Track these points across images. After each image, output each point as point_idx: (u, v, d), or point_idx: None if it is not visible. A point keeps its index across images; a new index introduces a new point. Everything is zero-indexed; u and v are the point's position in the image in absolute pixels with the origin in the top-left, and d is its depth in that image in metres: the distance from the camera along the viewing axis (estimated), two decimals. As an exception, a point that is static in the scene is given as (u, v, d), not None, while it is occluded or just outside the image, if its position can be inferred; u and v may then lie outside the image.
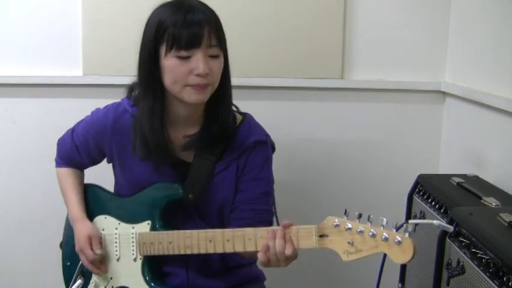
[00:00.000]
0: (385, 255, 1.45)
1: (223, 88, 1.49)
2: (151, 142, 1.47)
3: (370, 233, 1.21)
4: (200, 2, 1.45)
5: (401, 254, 1.18)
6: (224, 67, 1.48)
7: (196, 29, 1.38)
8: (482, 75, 1.99)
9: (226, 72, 1.49)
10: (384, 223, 1.21)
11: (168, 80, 1.42)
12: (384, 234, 1.19)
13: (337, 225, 1.26)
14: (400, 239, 1.18)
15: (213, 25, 1.41)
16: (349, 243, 1.24)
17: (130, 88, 1.56)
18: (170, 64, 1.40)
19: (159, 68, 1.43)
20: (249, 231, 1.38)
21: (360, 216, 1.24)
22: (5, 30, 2.20)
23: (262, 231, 1.36)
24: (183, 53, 1.39)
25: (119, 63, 2.18)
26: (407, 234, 1.18)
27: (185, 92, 1.42)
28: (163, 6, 1.44)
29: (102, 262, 1.57)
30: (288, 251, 1.32)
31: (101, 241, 1.57)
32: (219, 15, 1.46)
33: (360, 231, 1.23)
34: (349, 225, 1.24)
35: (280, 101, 2.30)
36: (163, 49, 1.40)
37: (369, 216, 1.23)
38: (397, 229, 1.21)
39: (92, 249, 1.54)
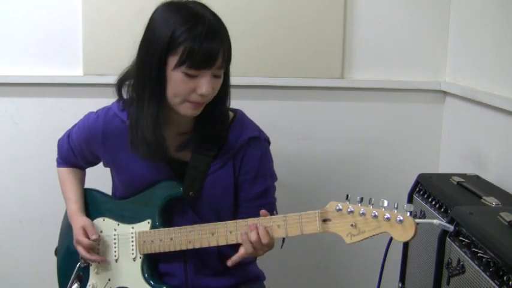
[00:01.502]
0: (386, 254, 1.46)
1: (219, 99, 1.49)
2: (152, 146, 1.46)
3: (373, 214, 1.24)
4: (213, 14, 1.42)
5: (403, 232, 1.21)
6: (224, 79, 1.47)
7: (214, 52, 1.36)
8: (482, 74, 1.99)
9: (225, 84, 1.48)
10: (385, 205, 1.23)
11: (170, 91, 1.41)
12: (386, 214, 1.22)
13: (339, 209, 1.29)
14: (402, 217, 1.20)
15: (226, 46, 1.40)
16: (352, 225, 1.27)
17: (119, 90, 1.53)
18: (176, 78, 1.38)
19: (165, 76, 1.40)
20: (252, 221, 1.40)
21: (361, 200, 1.27)
22: (5, 30, 2.20)
23: (265, 220, 1.38)
24: (193, 72, 1.37)
25: (119, 63, 2.14)
26: (408, 213, 1.21)
27: (182, 106, 1.42)
28: (174, 13, 1.39)
29: (97, 251, 1.58)
30: (264, 240, 1.38)
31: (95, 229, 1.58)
32: (219, 15, 1.44)
33: (362, 213, 1.25)
34: (352, 208, 1.27)
35: (280, 101, 2.30)
36: (173, 60, 1.37)
37: (370, 200, 1.26)
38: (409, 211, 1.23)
39: (87, 237, 1.55)
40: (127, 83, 1.52)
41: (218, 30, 1.39)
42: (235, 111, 1.60)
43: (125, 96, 1.54)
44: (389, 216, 1.22)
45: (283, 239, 1.57)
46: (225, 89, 1.49)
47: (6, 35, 2.21)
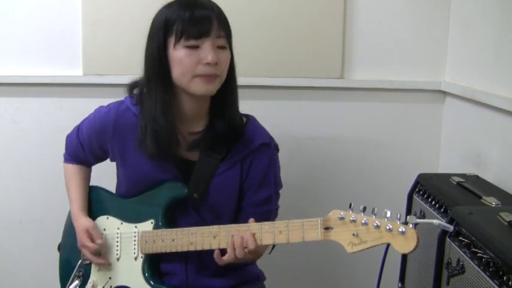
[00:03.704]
0: (385, 255, 1.46)
1: (229, 84, 1.51)
2: (163, 135, 1.47)
3: (375, 224, 1.24)
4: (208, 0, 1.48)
5: (405, 244, 1.21)
6: (230, 63, 1.50)
7: (205, 19, 1.41)
8: (482, 74, 1.99)
9: (232, 69, 1.52)
10: (388, 215, 1.23)
11: (176, 72, 1.44)
12: (388, 225, 1.22)
13: (342, 218, 1.29)
14: (404, 229, 1.20)
15: (221, 19, 1.45)
16: (353, 234, 1.27)
17: (131, 87, 1.57)
18: (179, 55, 1.42)
19: (168, 61, 1.44)
20: (254, 226, 1.40)
21: (364, 209, 1.27)
22: (5, 30, 2.20)
23: (267, 226, 1.38)
24: (192, 42, 1.41)
25: (119, 63, 2.18)
26: (410, 225, 1.21)
27: (193, 83, 1.44)
28: (169, 6, 1.47)
29: (102, 254, 1.58)
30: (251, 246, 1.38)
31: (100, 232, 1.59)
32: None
33: (365, 223, 1.25)
34: (354, 217, 1.27)
35: (280, 101, 2.30)
36: (171, 41, 1.42)
37: (373, 209, 1.26)
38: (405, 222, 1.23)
39: (92, 241, 1.56)
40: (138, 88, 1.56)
41: (208, 5, 1.45)
42: (247, 116, 1.61)
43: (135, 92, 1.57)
44: (391, 227, 1.21)
45: (273, 245, 1.57)
46: (231, 71, 1.51)
47: (6, 35, 2.21)
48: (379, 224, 1.23)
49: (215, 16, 1.43)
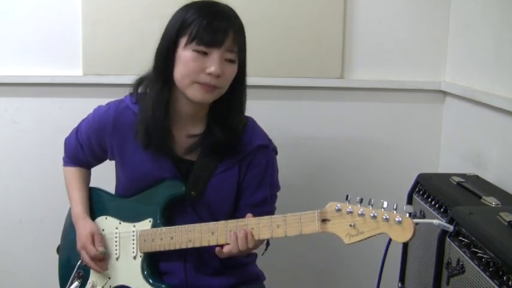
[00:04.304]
0: (385, 255, 1.46)
1: (236, 96, 1.51)
2: (154, 126, 1.48)
3: (371, 215, 1.24)
4: (229, 7, 1.48)
5: (402, 233, 1.21)
6: (239, 75, 1.49)
7: (222, 31, 1.40)
8: (482, 74, 1.99)
9: (240, 81, 1.51)
10: (385, 206, 1.24)
11: (179, 72, 1.44)
12: (385, 215, 1.22)
13: (338, 210, 1.29)
14: (400, 218, 1.21)
15: (238, 32, 1.44)
16: (350, 225, 1.27)
17: (137, 84, 1.57)
18: (186, 56, 1.42)
19: (174, 59, 1.44)
20: (251, 221, 1.40)
21: (361, 201, 1.28)
22: (5, 30, 2.20)
23: (265, 220, 1.39)
24: (202, 48, 1.40)
25: (119, 63, 2.18)
26: (407, 215, 1.21)
27: (192, 89, 1.43)
28: (190, 6, 1.46)
29: (102, 260, 1.58)
30: (250, 245, 1.40)
31: (103, 239, 1.58)
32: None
33: (361, 214, 1.26)
34: (351, 209, 1.27)
35: (280, 101, 2.30)
36: (183, 40, 1.42)
37: (369, 200, 1.26)
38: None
39: (94, 246, 1.55)
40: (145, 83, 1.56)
41: (229, 13, 1.45)
42: (246, 118, 1.61)
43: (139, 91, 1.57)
44: (388, 216, 1.22)
45: (267, 244, 1.57)
46: (238, 83, 1.50)
47: (6, 35, 2.21)
48: (375, 214, 1.23)
49: (233, 30, 1.42)
